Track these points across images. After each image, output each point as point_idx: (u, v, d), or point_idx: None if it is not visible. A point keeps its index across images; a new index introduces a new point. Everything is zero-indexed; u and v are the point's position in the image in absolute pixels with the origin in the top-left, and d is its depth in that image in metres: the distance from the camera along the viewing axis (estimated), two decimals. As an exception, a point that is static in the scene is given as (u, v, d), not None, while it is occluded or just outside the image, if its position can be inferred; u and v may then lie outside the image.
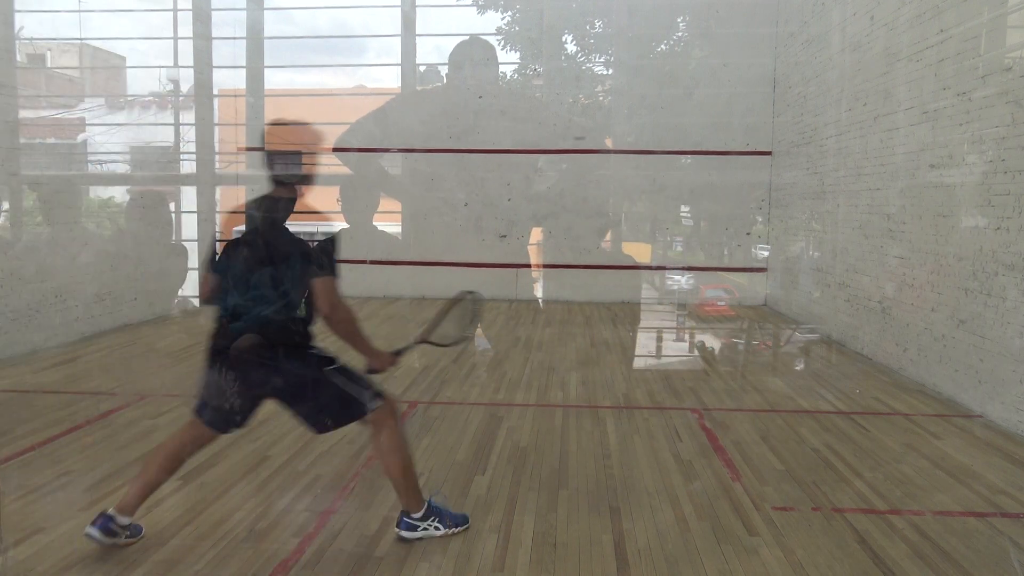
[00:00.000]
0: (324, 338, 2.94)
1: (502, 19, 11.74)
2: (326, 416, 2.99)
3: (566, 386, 5.84)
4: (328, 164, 11.34)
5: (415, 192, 10.94)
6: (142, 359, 6.65)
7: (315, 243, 2.86)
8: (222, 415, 2.97)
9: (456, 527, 3.16)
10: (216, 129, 10.75)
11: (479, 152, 10.69)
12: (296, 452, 4.14)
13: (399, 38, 10.95)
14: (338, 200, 10.85)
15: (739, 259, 10.71)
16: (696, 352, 7.84)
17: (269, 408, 4.98)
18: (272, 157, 3.00)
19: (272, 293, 2.83)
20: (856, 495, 3.66)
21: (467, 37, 10.94)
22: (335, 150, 10.92)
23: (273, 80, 11.52)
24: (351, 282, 11.30)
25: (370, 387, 2.99)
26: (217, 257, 2.94)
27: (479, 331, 8.35)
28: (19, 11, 7.18)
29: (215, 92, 10.62)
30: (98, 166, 10.77)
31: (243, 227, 2.96)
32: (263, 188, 3.01)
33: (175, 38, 10.31)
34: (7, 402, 5.17)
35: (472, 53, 10.81)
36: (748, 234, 10.63)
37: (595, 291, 10.56)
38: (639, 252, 10.92)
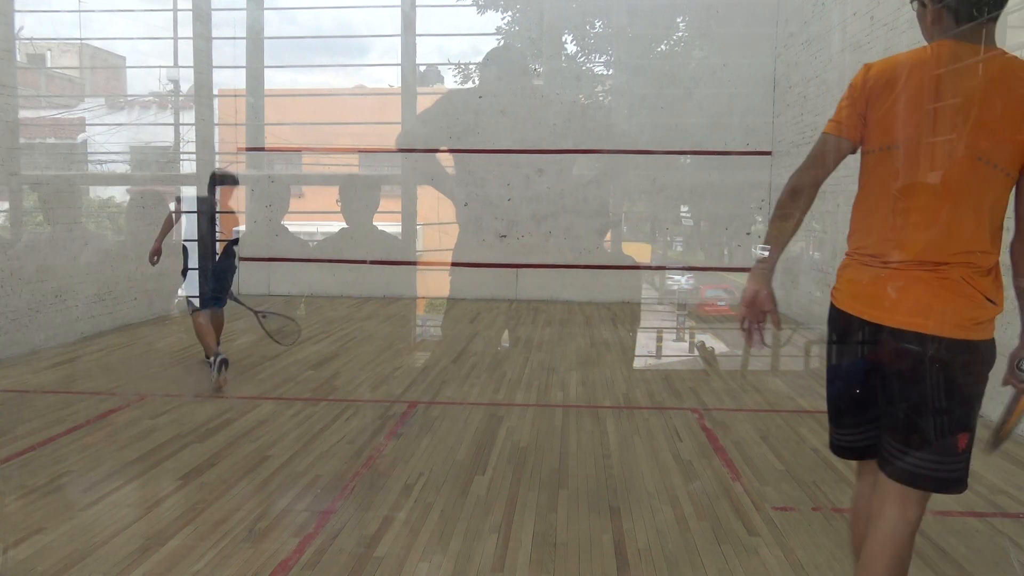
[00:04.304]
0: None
1: (502, 19, 11.76)
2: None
3: (566, 386, 5.84)
4: (331, 164, 11.36)
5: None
6: (142, 359, 6.65)
7: None
8: None
9: None
10: (216, 129, 10.74)
11: (479, 152, 10.69)
12: (296, 452, 4.14)
13: (399, 38, 10.95)
14: (337, 200, 10.84)
15: (739, 259, 10.70)
16: (696, 352, 7.84)
17: (269, 408, 5.00)
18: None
19: None
20: (856, 495, 3.66)
21: (469, 36, 10.96)
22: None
23: (273, 80, 11.53)
24: (351, 282, 11.31)
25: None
26: None
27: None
28: (19, 11, 7.17)
29: (215, 92, 10.62)
30: (98, 166, 10.76)
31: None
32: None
33: (175, 38, 10.30)
34: (7, 402, 5.17)
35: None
36: (748, 234, 10.63)
37: (595, 291, 10.56)
38: (639, 252, 10.92)
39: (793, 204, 2.12)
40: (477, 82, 11.57)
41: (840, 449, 2.25)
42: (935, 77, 1.93)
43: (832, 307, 2.14)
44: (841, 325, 2.11)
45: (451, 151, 10.87)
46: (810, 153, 2.13)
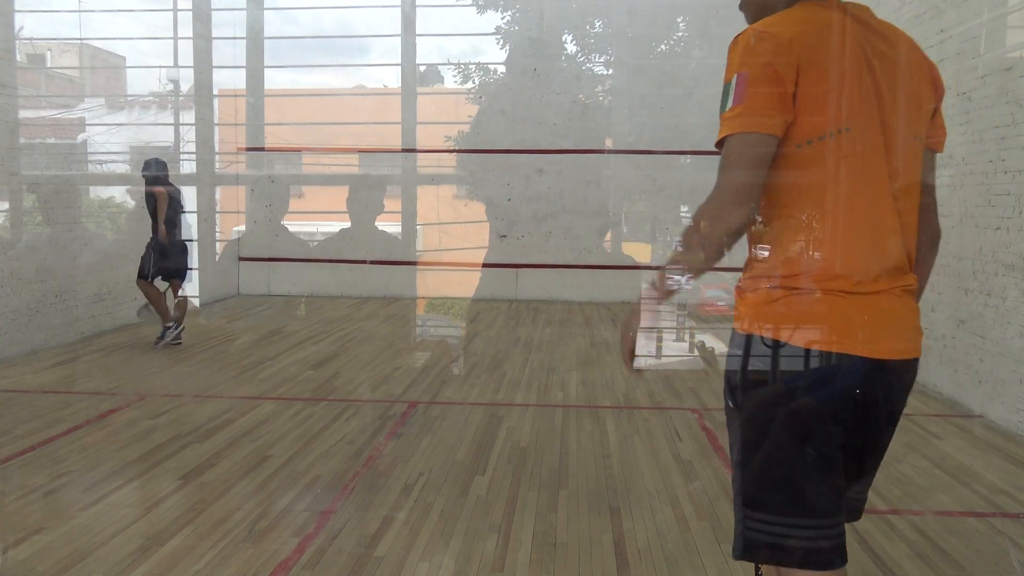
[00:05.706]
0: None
1: (502, 19, 11.76)
2: None
3: (566, 386, 5.84)
4: (331, 164, 11.36)
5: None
6: (142, 359, 6.65)
7: None
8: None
9: None
10: (216, 129, 10.75)
11: (479, 152, 10.69)
12: (296, 452, 4.14)
13: (399, 38, 10.96)
14: (348, 199, 10.83)
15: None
16: (696, 352, 7.84)
17: (269, 408, 5.00)
18: None
19: None
20: (856, 495, 3.66)
21: (469, 36, 10.99)
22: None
23: (273, 80, 11.53)
24: (351, 282, 11.33)
25: None
26: None
27: None
28: (19, 11, 7.18)
29: (215, 92, 10.62)
30: (98, 166, 10.77)
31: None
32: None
33: (175, 38, 10.30)
34: (7, 402, 5.17)
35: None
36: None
37: (595, 291, 10.56)
38: (639, 252, 10.91)
39: (730, 242, 1.65)
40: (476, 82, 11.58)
41: (833, 552, 1.57)
42: (855, 40, 1.59)
43: (819, 354, 1.57)
44: (844, 372, 1.54)
45: (451, 151, 10.87)
46: (727, 172, 1.52)
